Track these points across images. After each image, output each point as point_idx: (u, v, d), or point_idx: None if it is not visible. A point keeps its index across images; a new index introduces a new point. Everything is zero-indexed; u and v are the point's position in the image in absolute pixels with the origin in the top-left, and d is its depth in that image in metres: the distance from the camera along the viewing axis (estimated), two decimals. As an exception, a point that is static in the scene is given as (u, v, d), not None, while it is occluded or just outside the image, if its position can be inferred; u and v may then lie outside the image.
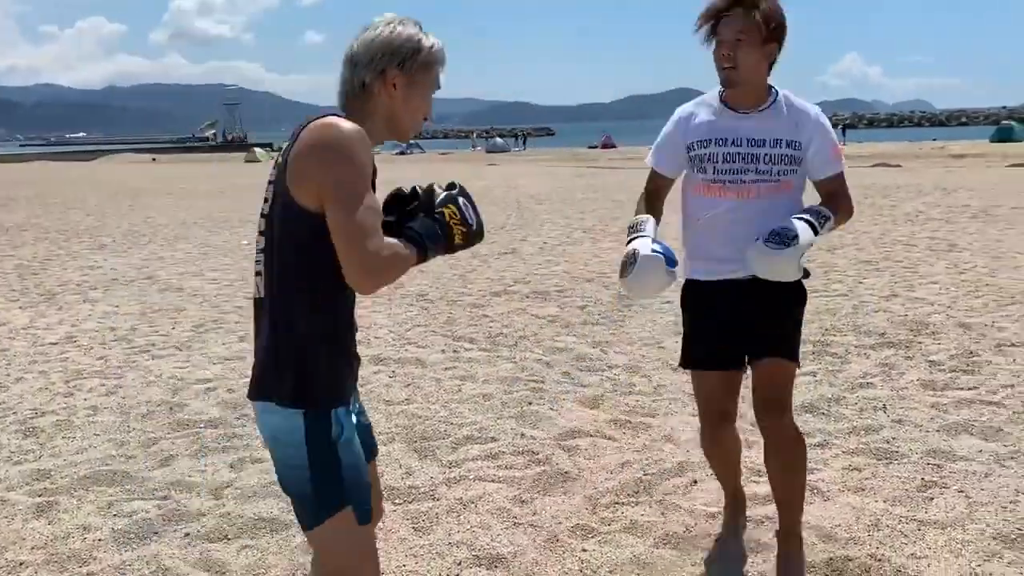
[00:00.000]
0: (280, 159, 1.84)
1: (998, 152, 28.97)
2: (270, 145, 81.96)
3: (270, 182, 1.87)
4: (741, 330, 2.68)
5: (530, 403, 4.47)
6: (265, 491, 3.44)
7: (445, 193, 1.90)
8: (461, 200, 1.90)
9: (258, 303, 1.91)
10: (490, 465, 3.67)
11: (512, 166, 34.26)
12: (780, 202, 2.60)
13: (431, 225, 1.85)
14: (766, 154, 2.59)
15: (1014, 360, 4.96)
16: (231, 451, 3.91)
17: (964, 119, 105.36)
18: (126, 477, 3.66)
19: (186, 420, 4.34)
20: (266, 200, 1.87)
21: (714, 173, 2.63)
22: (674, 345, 4.00)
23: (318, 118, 1.81)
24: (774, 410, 2.69)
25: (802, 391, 4.56)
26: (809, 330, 5.74)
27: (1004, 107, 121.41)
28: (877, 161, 28.14)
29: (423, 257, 1.83)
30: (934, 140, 43.21)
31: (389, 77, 1.84)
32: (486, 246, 10.27)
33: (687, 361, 2.83)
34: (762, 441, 2.79)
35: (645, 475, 3.56)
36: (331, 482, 1.84)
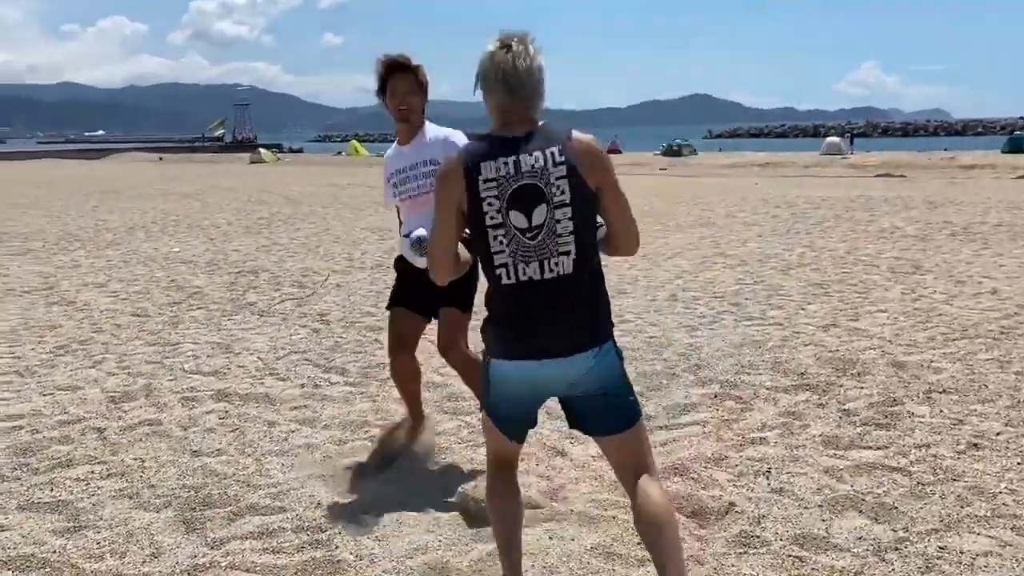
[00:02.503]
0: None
1: (1008, 163, 28.04)
2: (279, 146, 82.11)
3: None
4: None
5: (355, 458, 3.83)
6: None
7: None
8: None
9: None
10: (256, 546, 3.01)
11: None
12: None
13: None
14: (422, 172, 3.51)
15: (940, 411, 4.27)
16: (-25, 514, 3.30)
17: (980, 128, 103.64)
18: None
19: (-46, 469, 3.74)
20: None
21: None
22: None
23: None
24: None
25: (682, 446, 3.91)
26: (723, 366, 5.10)
27: (1022, 117, 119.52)
28: (882, 171, 27.33)
29: None
30: (944, 150, 42.18)
31: None
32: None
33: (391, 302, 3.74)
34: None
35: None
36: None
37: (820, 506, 3.28)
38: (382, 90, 3.50)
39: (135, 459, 3.83)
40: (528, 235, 2.32)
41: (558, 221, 2.31)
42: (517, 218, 2.32)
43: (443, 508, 3.31)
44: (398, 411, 4.38)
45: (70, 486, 3.54)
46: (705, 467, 3.69)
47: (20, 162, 50.26)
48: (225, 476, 3.63)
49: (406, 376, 3.74)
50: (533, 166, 2.31)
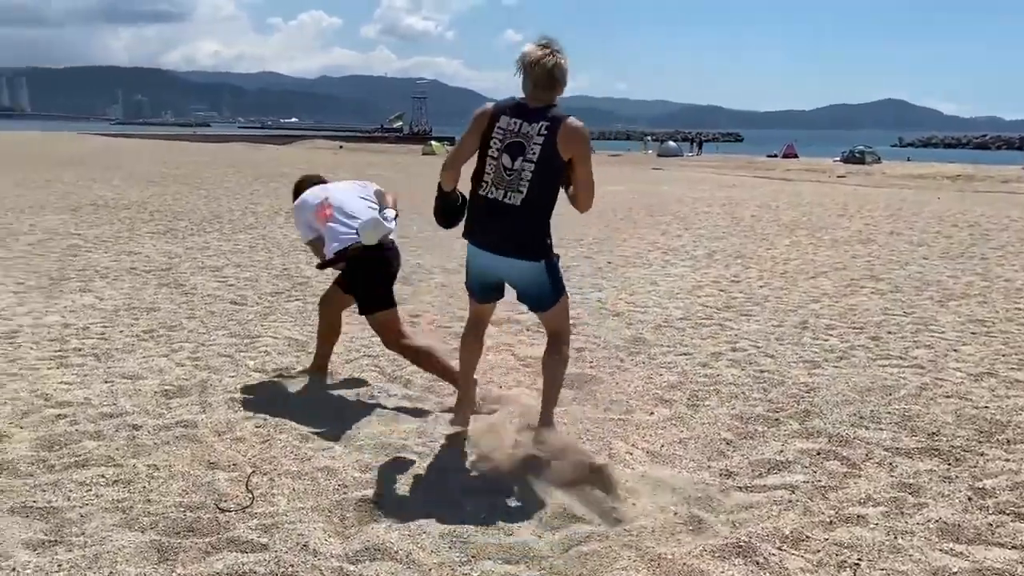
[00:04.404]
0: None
1: None
2: (451, 139, 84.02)
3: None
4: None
5: (369, 490, 3.39)
6: None
7: None
8: None
9: None
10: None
11: (670, 171, 32.64)
12: None
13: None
14: None
15: (1109, 506, 3.33)
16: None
17: None
18: None
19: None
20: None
21: None
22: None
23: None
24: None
25: (757, 516, 3.23)
26: (837, 415, 4.31)
27: None
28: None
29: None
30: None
31: None
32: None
33: None
34: None
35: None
36: None
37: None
38: None
39: (148, 466, 3.58)
40: (507, 172, 3.47)
41: (523, 170, 3.44)
42: (505, 159, 3.48)
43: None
44: (436, 436, 3.94)
45: (71, 491, 3.32)
46: (778, 548, 2.99)
47: (216, 144, 53.79)
48: (225, 497, 3.30)
49: (328, 327, 4.76)
50: (526, 132, 3.45)
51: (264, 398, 4.48)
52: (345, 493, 3.36)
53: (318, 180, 4.94)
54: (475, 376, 4.07)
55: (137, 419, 4.14)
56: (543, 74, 3.42)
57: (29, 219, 11.92)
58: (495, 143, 3.46)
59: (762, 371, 5.18)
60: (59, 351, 5.33)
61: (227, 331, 5.92)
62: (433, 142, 56.93)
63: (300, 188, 4.91)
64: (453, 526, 3.10)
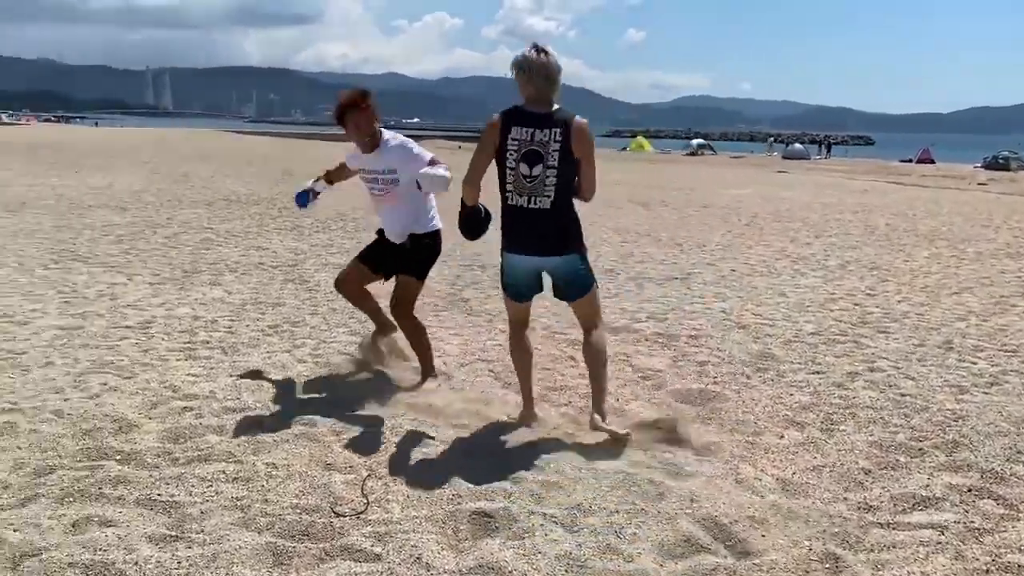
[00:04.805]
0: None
1: None
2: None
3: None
4: None
5: (485, 503, 3.29)
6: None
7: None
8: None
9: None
10: None
11: (795, 175, 31.46)
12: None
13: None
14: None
15: None
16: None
17: None
18: None
19: None
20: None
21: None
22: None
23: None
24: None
25: (901, 558, 2.95)
26: (990, 448, 3.94)
27: None
28: None
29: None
30: None
31: None
32: (653, 266, 8.92)
33: None
34: None
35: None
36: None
37: None
38: (341, 122, 4.40)
39: (267, 464, 3.60)
40: (527, 180, 3.69)
41: (547, 177, 3.67)
42: (523, 168, 3.69)
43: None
44: (551, 449, 3.81)
45: (193, 486, 3.37)
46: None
47: (343, 143, 55.64)
48: (341, 501, 3.27)
49: (354, 297, 4.89)
50: (541, 140, 3.65)
51: (381, 398, 4.46)
52: (459, 503, 3.27)
53: None
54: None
55: (259, 415, 4.20)
56: (543, 74, 3.63)
57: (167, 212, 12.52)
58: (511, 154, 3.67)
59: (903, 395, 4.80)
60: (188, 343, 5.50)
61: (348, 328, 5.98)
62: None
63: None
64: (570, 548, 2.96)
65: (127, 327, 5.86)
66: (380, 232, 4.79)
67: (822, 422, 4.35)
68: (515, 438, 3.98)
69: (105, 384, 4.59)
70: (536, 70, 3.64)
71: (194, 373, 4.86)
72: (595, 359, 3.93)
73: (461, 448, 3.85)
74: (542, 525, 3.12)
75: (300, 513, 3.17)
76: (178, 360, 5.11)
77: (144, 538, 2.95)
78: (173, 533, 2.99)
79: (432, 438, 3.96)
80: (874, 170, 38.28)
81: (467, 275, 8.19)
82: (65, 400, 4.31)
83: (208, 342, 5.53)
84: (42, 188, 15.47)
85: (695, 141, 57.35)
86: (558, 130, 3.63)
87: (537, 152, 3.64)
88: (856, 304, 7.31)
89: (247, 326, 6.01)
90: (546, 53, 3.65)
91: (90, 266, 8.08)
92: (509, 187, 3.73)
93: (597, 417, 3.84)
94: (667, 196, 18.71)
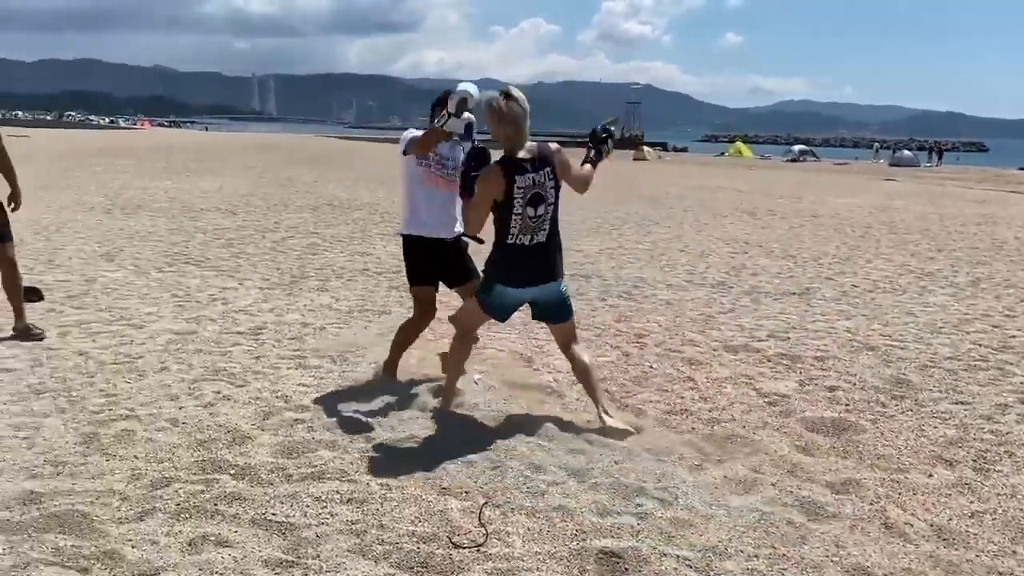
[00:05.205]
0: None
1: None
2: (663, 145, 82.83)
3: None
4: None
5: (614, 541, 3.07)
6: None
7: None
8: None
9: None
10: None
11: (905, 183, 30.09)
12: None
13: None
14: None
15: None
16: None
17: None
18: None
19: None
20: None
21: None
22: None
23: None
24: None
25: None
26: None
27: None
28: None
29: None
30: None
31: None
32: (768, 280, 8.50)
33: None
34: None
35: None
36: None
37: None
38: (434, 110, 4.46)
39: (381, 485, 3.47)
40: (532, 220, 3.98)
41: (547, 213, 4.01)
42: (529, 211, 3.96)
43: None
44: (676, 479, 3.56)
45: (308, 506, 3.27)
46: None
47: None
48: (459, 531, 3.11)
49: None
50: (540, 182, 3.97)
51: (490, 417, 4.31)
52: (584, 540, 3.06)
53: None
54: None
55: (370, 430, 4.10)
56: (522, 118, 3.91)
57: (274, 216, 12.76)
58: (518, 201, 3.93)
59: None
60: (297, 350, 5.48)
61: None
62: (645, 148, 55.87)
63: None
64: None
65: (239, 332, 5.89)
66: (412, 245, 4.71)
67: (974, 460, 3.96)
68: (635, 466, 3.75)
69: (219, 392, 4.57)
70: (518, 115, 3.89)
71: (305, 383, 4.81)
72: (586, 377, 4.26)
73: (579, 475, 3.64)
74: (676, 569, 2.88)
75: (417, 542, 3.02)
76: (289, 369, 5.08)
77: (260, 562, 2.85)
78: (289, 558, 2.89)
79: (548, 463, 3.76)
80: (990, 178, 36.36)
81: (570, 285, 7.97)
82: (180, 408, 4.31)
83: (318, 350, 5.49)
84: (156, 191, 16.05)
85: (796, 147, 55.66)
86: (548, 169, 3.99)
87: (540, 194, 3.96)
88: (995, 326, 6.77)
89: (355, 335, 5.96)
90: (517, 99, 3.89)
91: (203, 269, 8.24)
92: (514, 229, 3.97)
93: (606, 417, 4.14)
94: (773, 205, 18.09)
